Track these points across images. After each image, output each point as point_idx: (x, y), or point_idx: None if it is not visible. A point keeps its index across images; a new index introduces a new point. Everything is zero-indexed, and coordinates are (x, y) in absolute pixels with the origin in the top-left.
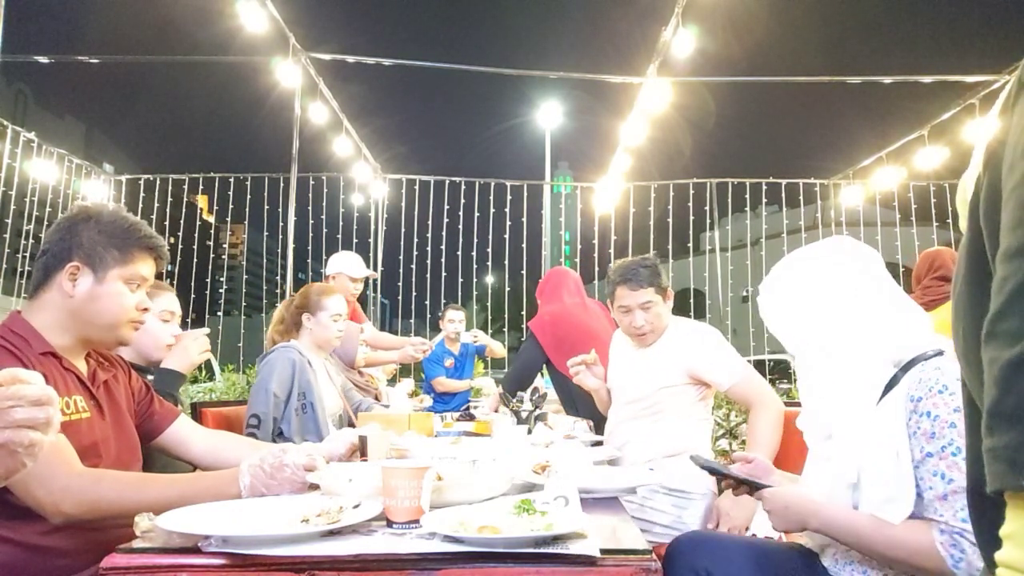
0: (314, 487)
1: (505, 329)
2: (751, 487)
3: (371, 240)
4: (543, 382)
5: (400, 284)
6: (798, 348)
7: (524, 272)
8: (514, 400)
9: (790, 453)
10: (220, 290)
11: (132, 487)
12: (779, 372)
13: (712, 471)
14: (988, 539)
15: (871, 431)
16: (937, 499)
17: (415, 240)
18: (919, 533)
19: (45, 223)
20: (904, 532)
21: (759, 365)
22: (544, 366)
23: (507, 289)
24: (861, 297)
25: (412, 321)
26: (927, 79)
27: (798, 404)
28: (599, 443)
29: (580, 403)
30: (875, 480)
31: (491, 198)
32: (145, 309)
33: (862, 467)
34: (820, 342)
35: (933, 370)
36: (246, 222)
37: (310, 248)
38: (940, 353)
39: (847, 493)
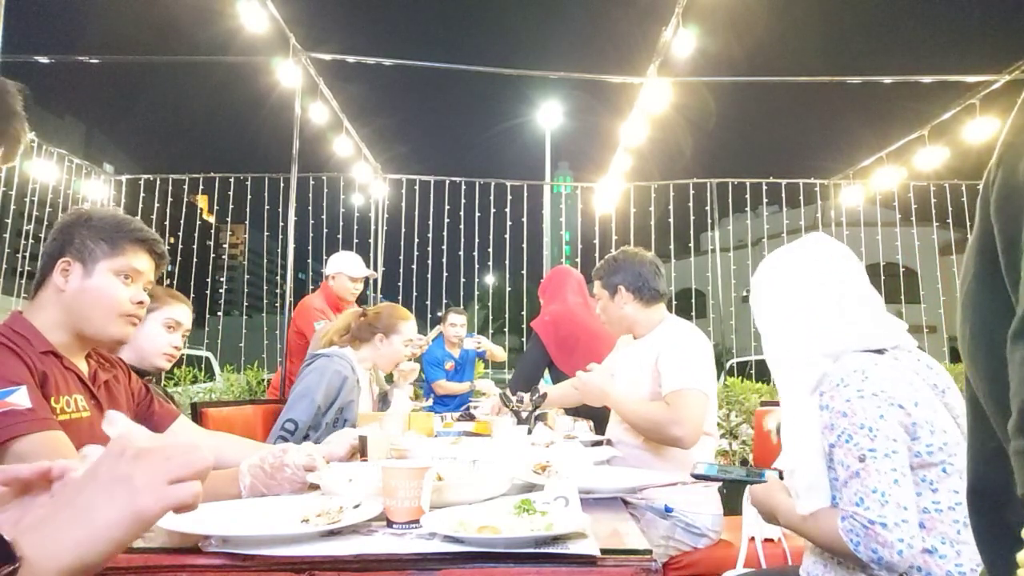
0: (314, 487)
1: (506, 329)
2: (748, 483)
3: (371, 240)
4: (543, 382)
5: (400, 284)
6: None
7: (524, 272)
8: (514, 400)
9: None
10: (220, 290)
11: None
12: None
13: (710, 479)
14: (995, 539)
15: (798, 424)
16: (842, 486)
17: (415, 240)
18: (830, 520)
19: (45, 223)
20: (822, 521)
21: (761, 365)
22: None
23: (508, 289)
24: (803, 293)
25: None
26: (927, 79)
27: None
28: (599, 443)
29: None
30: (801, 476)
31: (491, 198)
32: (140, 303)
33: (795, 461)
34: (774, 336)
35: (837, 366)
36: (246, 222)
37: (310, 248)
38: (880, 351)
39: (788, 481)
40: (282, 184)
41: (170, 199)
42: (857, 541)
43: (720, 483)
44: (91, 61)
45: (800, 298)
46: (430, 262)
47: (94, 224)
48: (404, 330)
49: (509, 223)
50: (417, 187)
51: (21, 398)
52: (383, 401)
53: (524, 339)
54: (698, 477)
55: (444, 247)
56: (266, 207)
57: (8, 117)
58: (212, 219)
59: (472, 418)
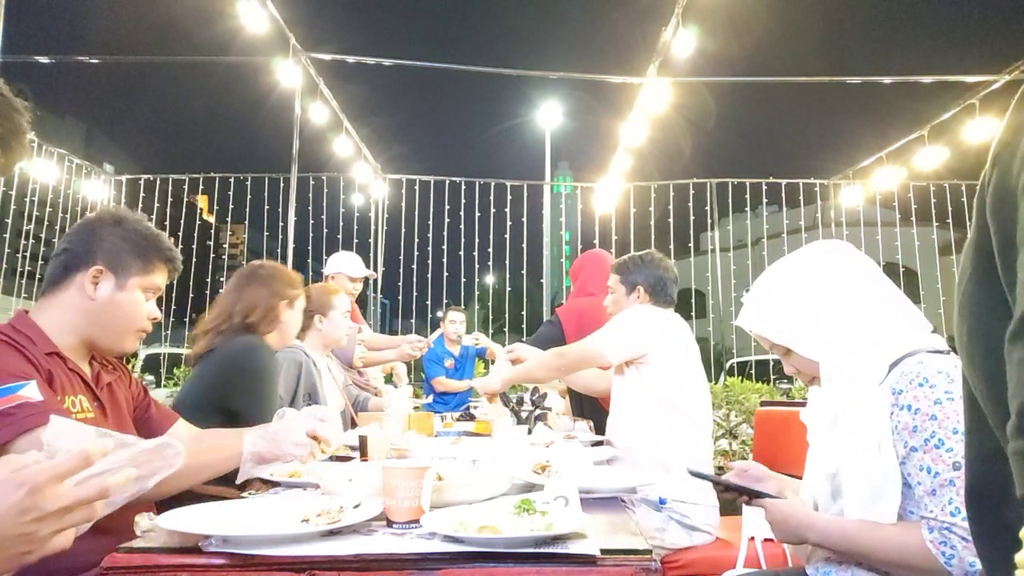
0: (314, 487)
1: (506, 329)
2: (749, 495)
3: (371, 240)
4: None
5: (400, 284)
6: (800, 343)
7: (524, 272)
8: (514, 400)
9: (791, 452)
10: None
11: None
12: (780, 372)
13: (706, 480)
14: (991, 538)
15: (853, 424)
16: (926, 495)
17: (415, 240)
18: (908, 532)
19: (45, 223)
20: (894, 532)
21: (761, 365)
22: None
23: (508, 289)
24: (856, 296)
25: (412, 321)
26: (927, 79)
27: (799, 403)
28: (599, 443)
29: (585, 403)
30: (858, 477)
31: (491, 198)
32: (154, 318)
33: (842, 462)
34: (819, 339)
35: (915, 364)
36: (246, 222)
37: (310, 248)
38: (938, 351)
39: (825, 484)
40: (282, 184)
41: (170, 199)
42: (951, 554)
43: (717, 486)
44: (91, 61)
45: (860, 294)
46: (430, 262)
47: (127, 235)
48: (338, 304)
49: (509, 223)
50: (417, 187)
51: (32, 391)
52: (356, 403)
53: (523, 340)
54: (695, 475)
55: (444, 247)
56: (266, 207)
57: (19, 135)
58: (212, 219)
59: (472, 418)
